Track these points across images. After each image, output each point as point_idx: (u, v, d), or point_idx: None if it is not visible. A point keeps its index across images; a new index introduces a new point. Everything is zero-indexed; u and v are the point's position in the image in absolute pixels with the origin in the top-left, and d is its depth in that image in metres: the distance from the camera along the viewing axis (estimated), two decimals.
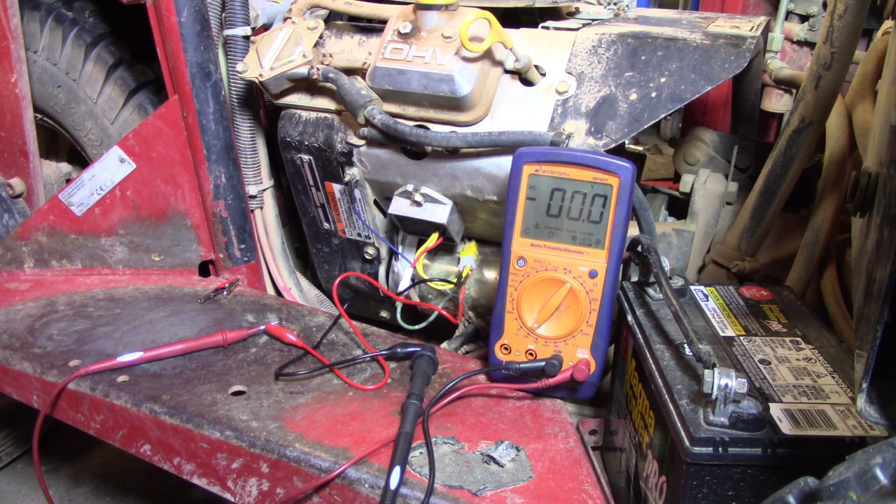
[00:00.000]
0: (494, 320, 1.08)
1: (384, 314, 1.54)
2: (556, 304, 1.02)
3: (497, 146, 1.15)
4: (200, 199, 1.44)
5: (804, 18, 1.82)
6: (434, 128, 1.23)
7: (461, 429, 1.03)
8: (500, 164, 1.19)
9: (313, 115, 1.34)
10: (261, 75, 1.27)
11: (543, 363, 1.03)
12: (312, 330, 1.29)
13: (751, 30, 1.22)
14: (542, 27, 1.28)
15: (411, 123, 1.22)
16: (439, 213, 1.28)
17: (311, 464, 0.95)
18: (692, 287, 1.03)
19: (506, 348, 1.08)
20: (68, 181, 1.60)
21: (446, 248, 1.39)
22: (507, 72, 1.22)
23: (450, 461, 0.96)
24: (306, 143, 1.34)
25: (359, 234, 1.43)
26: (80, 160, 1.72)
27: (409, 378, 1.13)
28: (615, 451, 1.00)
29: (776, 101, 1.79)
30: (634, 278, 1.06)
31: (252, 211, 1.50)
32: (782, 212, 1.26)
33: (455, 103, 1.19)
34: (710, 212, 1.35)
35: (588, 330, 1.03)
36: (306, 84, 1.32)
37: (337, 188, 1.38)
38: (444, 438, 1.00)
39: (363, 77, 1.25)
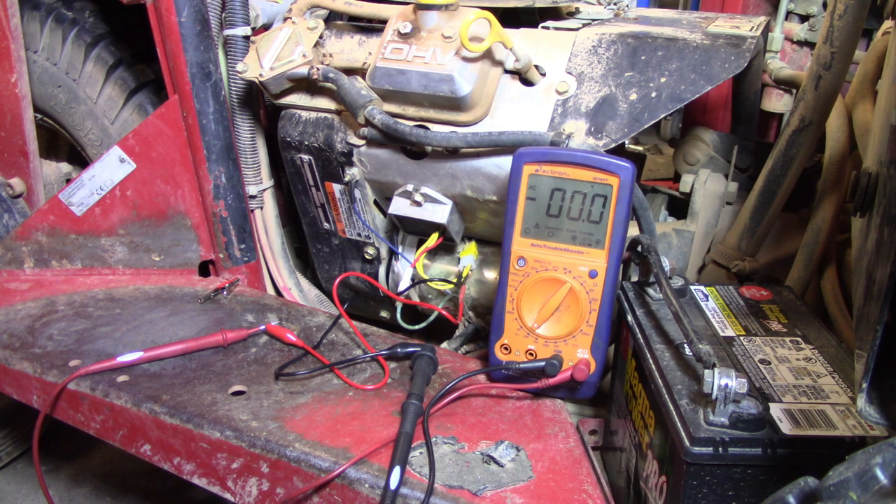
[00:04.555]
0: (494, 320, 1.08)
1: (384, 314, 1.54)
2: (556, 304, 1.02)
3: (497, 146, 1.15)
4: (200, 199, 1.44)
5: (804, 18, 1.82)
6: (434, 128, 1.23)
7: (461, 429, 1.03)
8: (500, 164, 1.19)
9: (313, 115, 1.34)
10: (261, 75, 1.27)
11: (543, 363, 1.03)
12: (312, 330, 1.29)
13: (751, 30, 1.22)
14: (542, 27, 1.28)
15: (411, 123, 1.22)
16: (439, 213, 1.28)
17: (311, 464, 0.95)
18: (692, 287, 1.03)
19: (506, 348, 1.08)
20: (68, 181, 1.59)
21: (446, 248, 1.39)
22: (507, 72, 1.22)
23: (450, 461, 0.96)
24: (306, 143, 1.34)
25: (359, 234, 1.43)
26: (80, 160, 1.72)
27: (409, 378, 1.13)
28: (615, 451, 1.00)
29: (776, 101, 1.79)
30: (634, 278, 1.06)
31: (252, 211, 1.50)
32: (782, 212, 1.26)
33: (455, 103, 1.19)
34: (710, 212, 1.35)
35: (588, 330, 1.03)
36: (306, 84, 1.32)
37: (337, 188, 1.38)
38: (444, 438, 1.00)
39: (363, 77, 1.25)
